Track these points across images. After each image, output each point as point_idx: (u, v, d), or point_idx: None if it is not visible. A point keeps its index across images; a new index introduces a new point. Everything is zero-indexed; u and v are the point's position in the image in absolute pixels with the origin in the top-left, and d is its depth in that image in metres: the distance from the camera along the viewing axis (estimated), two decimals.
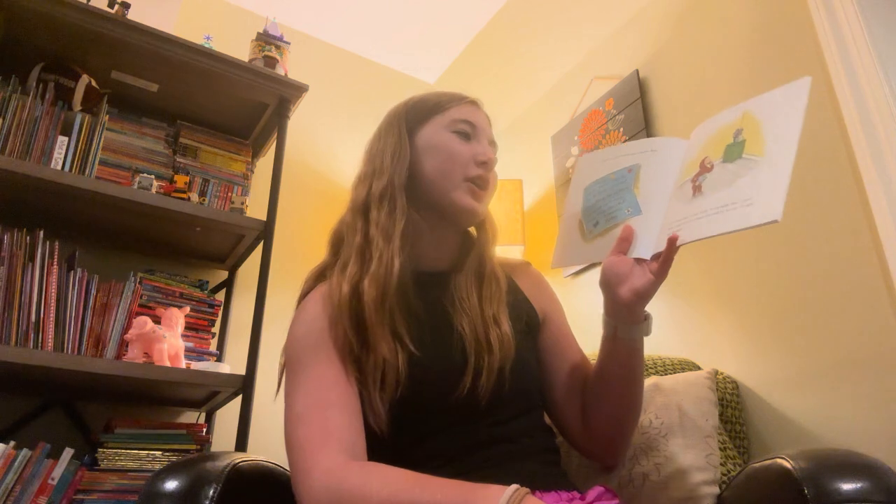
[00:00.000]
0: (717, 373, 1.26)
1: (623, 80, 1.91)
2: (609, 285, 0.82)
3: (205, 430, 1.56)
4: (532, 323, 0.95)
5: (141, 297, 1.56)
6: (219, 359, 1.73)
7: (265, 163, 1.95)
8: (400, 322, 0.82)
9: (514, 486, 0.60)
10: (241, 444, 1.40)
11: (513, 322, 0.88)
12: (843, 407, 1.20)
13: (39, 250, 1.38)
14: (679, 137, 0.86)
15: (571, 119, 2.12)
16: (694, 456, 0.93)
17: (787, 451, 0.75)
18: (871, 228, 1.20)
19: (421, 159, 0.92)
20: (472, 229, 1.00)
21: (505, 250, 1.95)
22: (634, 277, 0.80)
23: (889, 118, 1.23)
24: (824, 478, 0.67)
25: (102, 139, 1.58)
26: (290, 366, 0.83)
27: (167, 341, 1.45)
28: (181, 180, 1.67)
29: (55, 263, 1.40)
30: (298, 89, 1.78)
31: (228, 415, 1.65)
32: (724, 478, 1.03)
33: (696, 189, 0.76)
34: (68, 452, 1.29)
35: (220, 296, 1.82)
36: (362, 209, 0.91)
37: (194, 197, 1.71)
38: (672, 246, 0.76)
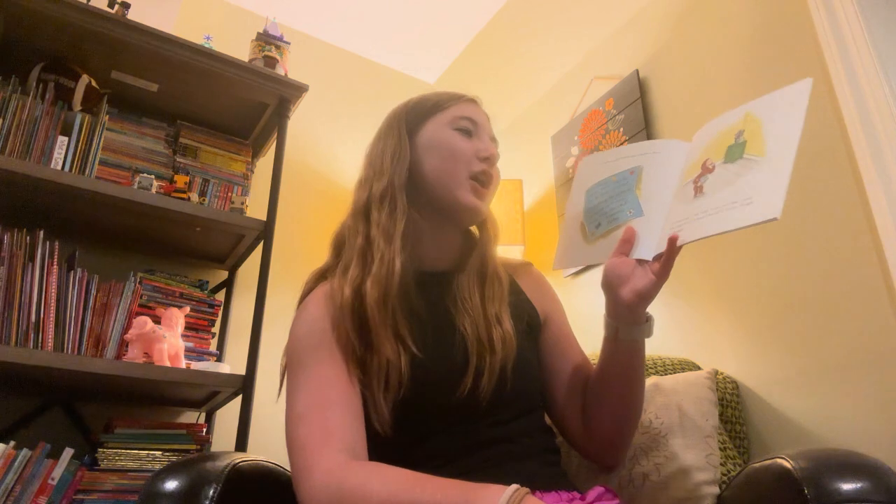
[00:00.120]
0: (717, 373, 1.26)
1: (623, 80, 1.91)
2: (611, 286, 0.82)
3: (205, 430, 1.56)
4: (533, 323, 0.95)
5: (141, 297, 1.56)
6: (219, 359, 1.73)
7: (265, 163, 1.95)
8: (402, 323, 0.82)
9: (515, 486, 0.60)
10: (241, 444, 1.40)
11: (514, 322, 0.88)
12: (843, 407, 1.20)
13: (39, 250, 1.38)
14: (681, 140, 0.87)
15: (571, 119, 2.12)
16: (694, 456, 0.93)
17: (787, 451, 0.75)
18: (871, 228, 1.20)
19: (422, 158, 0.92)
20: (474, 229, 1.00)
21: (505, 250, 1.95)
22: (636, 278, 0.80)
23: (889, 118, 1.23)
24: (824, 478, 0.67)
25: (102, 139, 1.58)
26: (291, 366, 0.83)
27: (167, 341, 1.45)
28: (181, 180, 1.68)
29: (55, 263, 1.40)
30: (298, 89, 1.78)
31: (228, 415, 1.65)
32: (724, 478, 1.03)
33: (698, 190, 0.77)
34: (68, 452, 1.29)
35: (220, 296, 1.82)
36: (363, 211, 0.90)
37: (194, 197, 1.71)
38: (672, 246, 0.76)
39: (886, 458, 0.71)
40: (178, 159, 1.78)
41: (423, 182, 0.91)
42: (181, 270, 1.76)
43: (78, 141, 1.53)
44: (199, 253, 1.80)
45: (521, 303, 0.95)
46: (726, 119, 0.79)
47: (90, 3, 1.54)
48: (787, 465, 0.71)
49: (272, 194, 1.67)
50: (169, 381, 1.39)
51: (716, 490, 0.90)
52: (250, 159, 1.93)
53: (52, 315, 1.36)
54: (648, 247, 0.81)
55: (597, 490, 0.79)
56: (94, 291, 1.45)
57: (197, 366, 1.53)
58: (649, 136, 1.79)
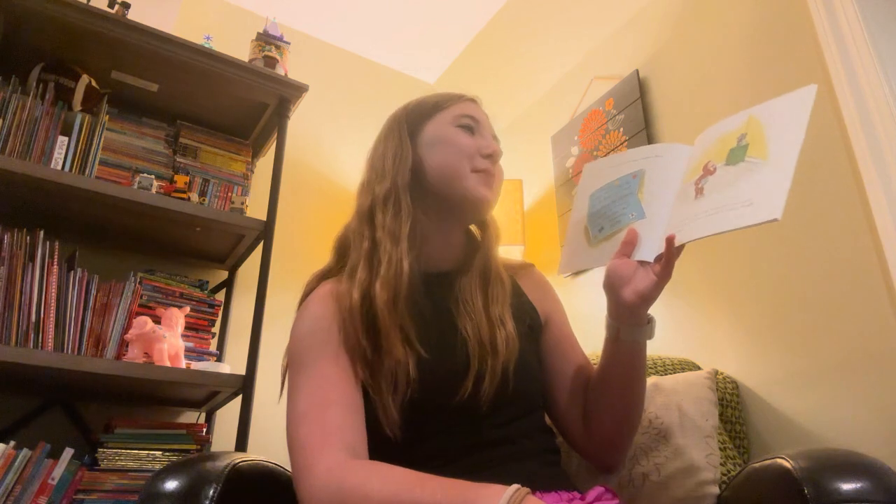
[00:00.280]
0: (717, 373, 1.26)
1: (623, 80, 1.91)
2: (613, 287, 0.82)
3: (205, 430, 1.56)
4: (534, 325, 0.95)
5: (141, 297, 1.56)
6: (219, 359, 1.73)
7: (265, 163, 1.95)
8: (409, 324, 0.82)
9: (515, 486, 0.60)
10: (241, 444, 1.40)
11: (516, 324, 0.88)
12: (843, 407, 1.20)
13: (39, 250, 1.38)
14: (683, 144, 0.87)
15: (571, 119, 2.12)
16: (694, 456, 0.93)
17: (787, 451, 0.75)
18: (871, 228, 1.20)
19: (425, 157, 0.92)
20: (476, 230, 1.00)
21: (505, 250, 1.95)
22: (638, 280, 0.80)
23: (889, 118, 1.23)
24: (824, 478, 0.67)
25: (102, 139, 1.58)
26: (292, 365, 0.83)
27: (167, 341, 1.45)
28: (181, 180, 1.68)
29: (55, 263, 1.40)
30: (298, 89, 1.78)
31: (228, 415, 1.65)
32: (724, 478, 1.03)
33: (699, 191, 0.77)
34: (68, 452, 1.29)
35: (220, 296, 1.82)
36: (367, 215, 0.90)
37: (194, 197, 1.71)
38: (671, 246, 0.76)
39: (886, 458, 0.71)
40: (178, 159, 1.78)
41: (427, 180, 0.91)
42: (181, 270, 1.76)
43: (78, 141, 1.53)
44: (199, 253, 1.80)
45: (522, 304, 0.95)
46: (729, 123, 0.80)
47: (90, 3, 1.54)
48: (787, 465, 0.71)
49: (272, 194, 1.67)
50: (169, 381, 1.39)
51: (716, 490, 0.90)
52: (250, 159, 1.93)
53: (52, 315, 1.36)
54: (650, 248, 0.81)
55: (597, 490, 0.79)
56: (94, 291, 1.45)
57: (197, 366, 1.53)
58: (649, 136, 1.79)
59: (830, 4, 1.35)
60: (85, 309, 1.43)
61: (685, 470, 0.92)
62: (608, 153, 1.90)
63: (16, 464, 1.23)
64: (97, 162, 1.56)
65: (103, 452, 1.34)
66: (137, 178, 1.56)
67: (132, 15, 1.63)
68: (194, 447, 1.44)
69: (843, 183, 1.28)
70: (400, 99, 1.02)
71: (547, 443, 0.87)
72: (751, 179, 0.72)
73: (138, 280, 1.53)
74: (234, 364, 1.62)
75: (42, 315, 1.35)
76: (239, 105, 1.83)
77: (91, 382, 1.39)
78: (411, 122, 0.95)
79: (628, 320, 0.82)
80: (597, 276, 1.83)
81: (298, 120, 2.10)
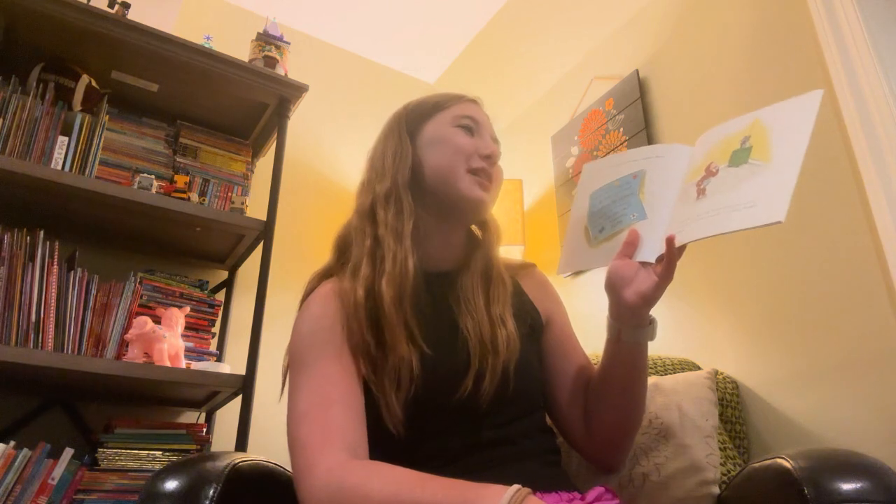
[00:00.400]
0: (717, 373, 1.26)
1: (623, 80, 1.91)
2: (614, 288, 0.82)
3: (205, 430, 1.56)
4: (535, 325, 0.95)
5: (141, 297, 1.56)
6: (219, 359, 1.73)
7: (265, 163, 1.95)
8: (413, 322, 0.82)
9: (516, 487, 0.60)
10: (241, 444, 1.40)
11: (517, 324, 0.88)
12: (843, 407, 1.20)
13: (39, 250, 1.38)
14: (684, 144, 0.87)
15: (571, 119, 2.12)
16: (694, 456, 0.93)
17: (787, 451, 0.75)
18: (871, 228, 1.20)
19: (424, 156, 0.92)
20: (477, 230, 1.00)
21: (505, 250, 1.95)
22: (639, 280, 0.80)
23: (889, 118, 1.23)
24: (824, 478, 0.67)
25: (102, 139, 1.58)
26: (293, 364, 0.83)
27: (167, 341, 1.45)
28: (181, 180, 1.68)
29: (55, 263, 1.40)
30: (298, 89, 1.78)
31: (228, 415, 1.65)
32: (724, 478, 1.03)
33: (701, 192, 0.77)
34: (68, 452, 1.29)
35: (220, 296, 1.82)
36: (369, 213, 0.90)
37: (194, 197, 1.71)
38: (671, 246, 0.76)
39: (886, 458, 0.71)
40: (178, 159, 1.78)
41: (426, 178, 0.91)
42: (181, 270, 1.76)
43: (78, 141, 1.53)
44: (199, 253, 1.80)
45: (523, 304, 0.95)
46: (732, 125, 0.80)
47: (90, 3, 1.54)
48: (787, 464, 0.71)
49: (272, 194, 1.67)
50: (169, 381, 1.39)
51: (716, 490, 0.90)
52: (250, 159, 1.93)
53: (52, 315, 1.36)
54: (652, 249, 0.81)
55: (597, 490, 0.79)
56: (94, 291, 1.45)
57: (197, 366, 1.53)
58: (649, 136, 1.79)
59: (830, 4, 1.35)
60: (85, 309, 1.43)
61: (685, 470, 0.92)
62: (608, 153, 1.90)
63: (16, 464, 1.23)
64: (97, 162, 1.56)
65: (103, 452, 1.34)
66: (137, 178, 1.56)
67: (132, 15, 1.63)
68: (194, 447, 1.44)
69: (843, 183, 1.28)
70: (400, 99, 1.02)
71: (547, 443, 0.87)
72: (754, 181, 0.72)
73: (138, 280, 1.53)
74: (234, 364, 1.62)
75: (42, 315, 1.35)
76: (239, 105, 1.83)
77: (91, 382, 1.39)
78: (411, 121, 0.96)
79: (630, 321, 0.82)
80: (597, 277, 1.84)
81: (298, 120, 2.10)
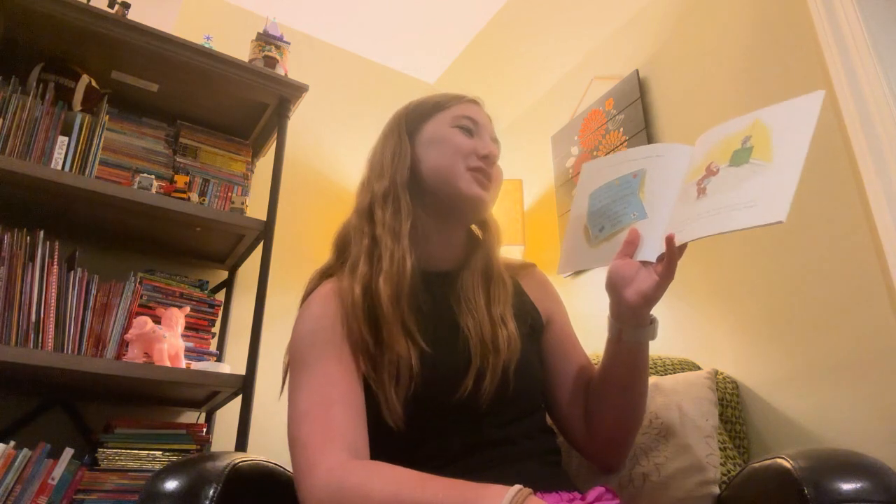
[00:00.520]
0: (717, 373, 1.26)
1: (623, 80, 1.91)
2: (615, 288, 0.82)
3: (205, 430, 1.56)
4: (536, 325, 0.95)
5: (141, 297, 1.56)
6: (219, 359, 1.73)
7: (265, 163, 1.95)
8: (411, 320, 0.82)
9: (517, 487, 0.60)
10: (241, 444, 1.39)
11: (518, 324, 0.88)
12: (843, 407, 1.20)
13: (39, 250, 1.38)
14: (684, 144, 0.87)
15: (571, 119, 2.12)
16: (694, 456, 0.93)
17: (787, 451, 0.75)
18: (871, 228, 1.20)
19: (424, 155, 0.92)
20: (477, 230, 1.00)
21: (505, 250, 1.94)
22: (640, 280, 0.80)
23: (889, 118, 1.23)
24: (824, 478, 0.67)
25: (102, 139, 1.58)
26: (294, 364, 0.83)
27: (167, 341, 1.45)
28: (181, 180, 1.68)
29: (55, 263, 1.40)
30: (298, 89, 1.78)
31: (228, 415, 1.65)
32: (724, 478, 1.03)
33: (701, 191, 0.77)
34: (68, 452, 1.29)
35: (220, 296, 1.82)
36: (367, 212, 0.91)
37: (194, 197, 1.71)
38: (671, 246, 0.76)
39: (886, 459, 0.71)
40: (178, 159, 1.78)
41: (426, 177, 0.91)
42: (181, 270, 1.76)
43: (78, 141, 1.53)
44: (199, 253, 1.80)
45: (524, 304, 0.95)
46: (732, 125, 0.80)
47: (90, 3, 1.53)
48: (787, 465, 0.71)
49: (272, 194, 1.67)
50: (169, 381, 1.39)
51: (716, 490, 0.90)
52: (250, 159, 1.93)
53: (52, 315, 1.36)
54: (652, 248, 0.81)
55: (597, 490, 0.79)
56: (94, 291, 1.45)
57: (197, 366, 1.53)
58: (649, 136, 1.79)
59: (830, 5, 1.36)
60: (85, 309, 1.42)
61: (685, 470, 0.92)
62: (608, 153, 1.90)
63: (16, 464, 1.23)
64: (97, 162, 1.55)
65: (103, 452, 1.33)
66: (137, 178, 1.56)
67: (132, 15, 1.63)
68: (194, 447, 1.44)
69: (843, 183, 1.28)
70: (400, 99, 1.02)
71: (548, 443, 0.87)
72: (755, 181, 0.72)
73: (138, 280, 1.53)
74: (234, 364, 1.62)
75: (42, 315, 1.35)
76: (239, 105, 1.83)
77: (91, 382, 1.38)
78: (411, 121, 0.96)
79: (631, 321, 0.82)
80: (597, 277, 1.84)
81: (298, 120, 2.10)
